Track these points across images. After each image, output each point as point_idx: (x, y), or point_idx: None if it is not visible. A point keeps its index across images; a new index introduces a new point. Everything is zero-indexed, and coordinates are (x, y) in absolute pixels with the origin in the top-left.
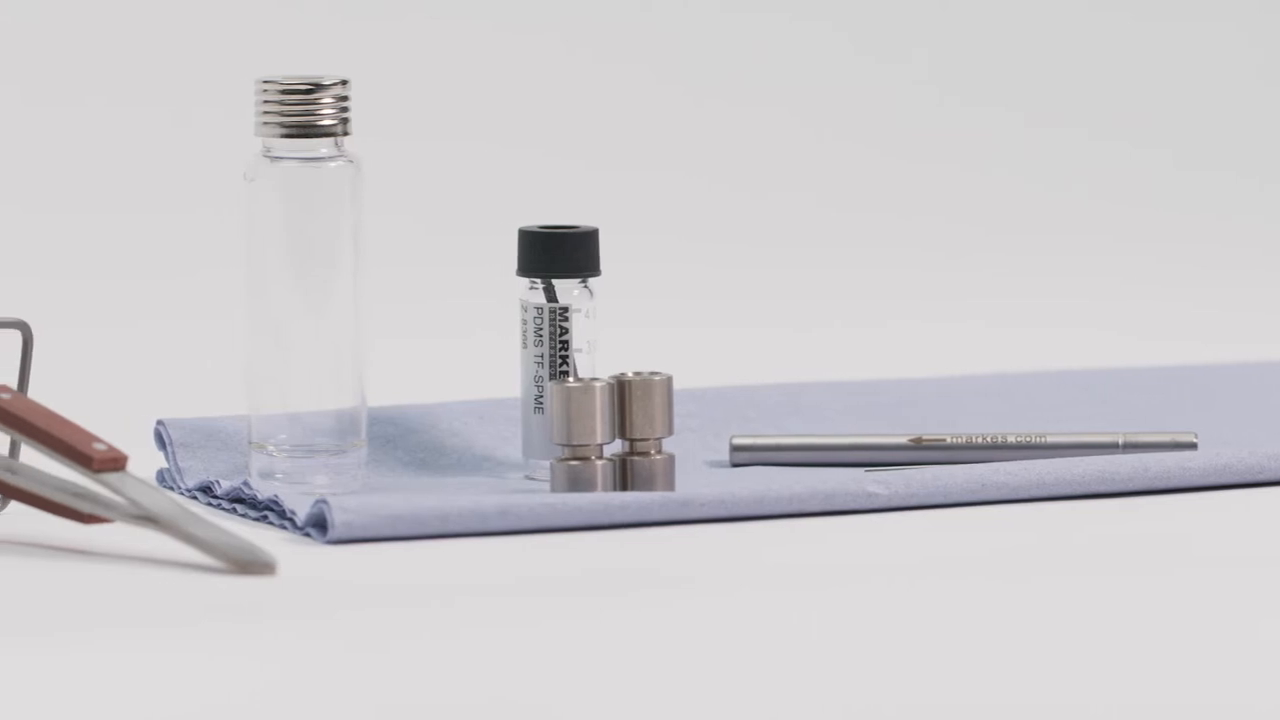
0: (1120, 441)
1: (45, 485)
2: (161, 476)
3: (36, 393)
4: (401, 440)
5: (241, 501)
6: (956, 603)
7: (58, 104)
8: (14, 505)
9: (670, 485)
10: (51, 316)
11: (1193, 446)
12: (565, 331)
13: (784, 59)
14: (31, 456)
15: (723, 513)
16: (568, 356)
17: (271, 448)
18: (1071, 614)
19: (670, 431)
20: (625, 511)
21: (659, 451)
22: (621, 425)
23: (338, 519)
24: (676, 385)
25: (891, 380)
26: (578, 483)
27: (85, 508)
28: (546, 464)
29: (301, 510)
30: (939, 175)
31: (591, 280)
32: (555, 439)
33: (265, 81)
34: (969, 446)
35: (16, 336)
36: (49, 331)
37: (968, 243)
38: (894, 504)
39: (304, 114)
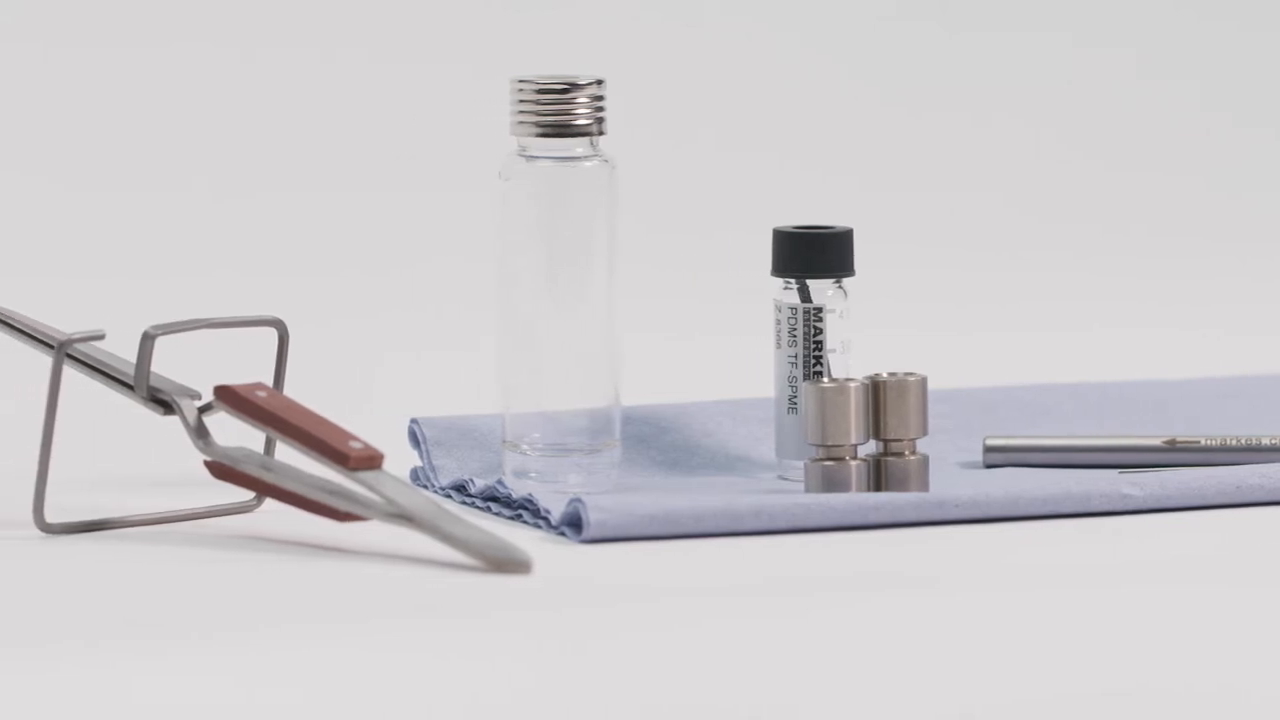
0: None
1: (301, 483)
2: (415, 475)
3: (292, 390)
4: (654, 440)
5: (496, 500)
6: (1214, 605)
7: (311, 103)
8: (269, 503)
9: (924, 486)
10: (307, 314)
11: None
12: (819, 332)
13: (1032, 70)
14: (287, 454)
15: (977, 514)
16: (821, 357)
17: (525, 446)
18: None
19: (925, 432)
20: (880, 512)
21: (913, 452)
22: (876, 426)
23: (593, 518)
24: (930, 386)
25: (1142, 381)
26: (832, 483)
27: (341, 505)
28: (800, 464)
29: (556, 509)
30: (1184, 182)
31: (846, 281)
32: (810, 439)
33: (521, 81)
34: (1224, 449)
35: (272, 334)
36: (305, 329)
37: (1216, 247)
38: (1149, 506)
39: (560, 113)
